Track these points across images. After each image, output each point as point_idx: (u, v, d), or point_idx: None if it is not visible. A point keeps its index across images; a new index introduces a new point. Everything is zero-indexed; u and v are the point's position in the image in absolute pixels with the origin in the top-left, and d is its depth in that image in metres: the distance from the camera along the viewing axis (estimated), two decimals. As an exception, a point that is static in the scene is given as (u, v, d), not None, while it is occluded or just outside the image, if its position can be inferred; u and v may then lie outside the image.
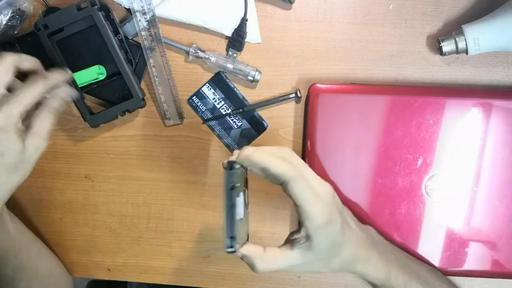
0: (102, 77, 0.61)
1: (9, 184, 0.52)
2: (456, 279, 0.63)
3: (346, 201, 0.59)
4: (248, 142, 0.63)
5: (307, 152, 0.59)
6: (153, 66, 0.61)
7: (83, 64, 0.61)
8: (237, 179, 0.47)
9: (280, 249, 0.49)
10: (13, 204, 0.67)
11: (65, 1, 0.62)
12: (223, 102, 0.63)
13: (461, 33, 0.55)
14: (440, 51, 0.57)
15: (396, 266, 0.53)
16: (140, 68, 0.62)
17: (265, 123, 0.62)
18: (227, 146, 0.63)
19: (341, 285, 0.65)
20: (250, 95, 0.62)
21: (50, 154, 0.66)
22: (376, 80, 0.61)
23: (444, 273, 0.59)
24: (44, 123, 0.52)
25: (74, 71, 0.60)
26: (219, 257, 0.66)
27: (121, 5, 0.61)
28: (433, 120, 0.57)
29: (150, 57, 0.61)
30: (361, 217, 0.58)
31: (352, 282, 0.64)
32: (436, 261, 0.59)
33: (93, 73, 0.61)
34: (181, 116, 0.63)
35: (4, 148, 0.49)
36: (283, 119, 0.62)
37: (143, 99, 0.61)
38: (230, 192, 0.46)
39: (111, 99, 0.63)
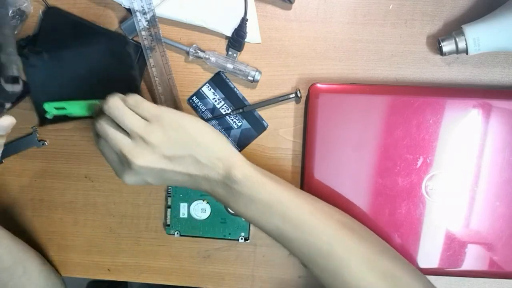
0: None
1: None
2: (456, 279, 0.63)
3: (346, 201, 0.59)
4: (248, 142, 0.63)
5: (307, 152, 0.59)
6: (153, 66, 0.61)
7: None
8: None
9: None
10: (13, 204, 0.67)
11: (65, 1, 0.62)
12: (223, 102, 0.63)
13: (461, 33, 0.55)
14: (440, 51, 0.57)
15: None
16: (140, 68, 0.62)
17: (265, 123, 0.62)
18: (227, 146, 0.63)
19: (341, 285, 0.65)
20: (250, 95, 0.62)
21: (50, 154, 0.66)
22: (376, 80, 0.61)
23: (444, 273, 0.59)
24: None
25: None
26: (219, 257, 0.66)
27: (121, 5, 0.61)
28: (433, 120, 0.57)
29: (150, 57, 0.61)
30: (361, 217, 0.58)
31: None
32: (436, 261, 0.59)
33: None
34: (181, 116, 0.63)
35: None
36: (283, 119, 0.62)
37: None
38: None
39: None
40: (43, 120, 0.62)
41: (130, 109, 0.51)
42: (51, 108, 0.56)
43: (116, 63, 0.59)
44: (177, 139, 0.49)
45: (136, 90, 0.58)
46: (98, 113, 0.53)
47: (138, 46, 0.61)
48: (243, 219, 0.53)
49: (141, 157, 0.49)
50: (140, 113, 0.50)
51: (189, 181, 0.52)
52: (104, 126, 0.51)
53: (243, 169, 0.51)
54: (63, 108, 0.56)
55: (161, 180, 0.51)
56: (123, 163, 0.50)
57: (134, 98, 0.51)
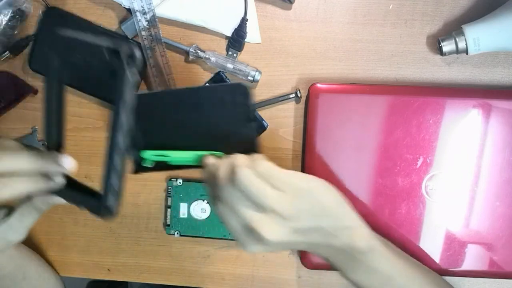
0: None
1: None
2: (456, 279, 0.63)
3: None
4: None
5: (307, 152, 0.59)
6: (153, 66, 0.61)
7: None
8: None
9: None
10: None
11: (65, 1, 0.62)
12: (223, 102, 0.62)
13: (461, 33, 0.55)
14: (440, 51, 0.57)
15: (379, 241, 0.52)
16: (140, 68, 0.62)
17: (265, 123, 0.62)
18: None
19: (341, 285, 0.65)
20: (250, 95, 0.62)
21: (50, 154, 0.66)
22: (376, 80, 0.61)
23: (444, 273, 0.59)
24: (25, 219, 0.48)
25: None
26: (219, 257, 0.66)
27: (121, 5, 0.61)
28: (433, 120, 0.57)
29: (150, 57, 0.61)
30: (361, 217, 0.58)
31: (352, 282, 0.65)
32: (436, 261, 0.59)
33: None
34: (181, 116, 0.63)
35: None
36: (283, 119, 0.62)
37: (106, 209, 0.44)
38: None
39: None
40: (139, 168, 0.53)
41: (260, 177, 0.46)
42: (150, 156, 0.51)
43: (230, 113, 0.51)
44: (308, 210, 0.47)
45: (253, 145, 0.52)
46: (218, 177, 0.47)
47: (138, 46, 0.61)
48: (352, 283, 0.53)
49: (273, 232, 0.45)
50: (271, 183, 0.46)
51: (308, 247, 0.50)
52: (231, 199, 0.46)
53: (368, 239, 0.50)
54: (164, 156, 0.51)
55: (283, 249, 0.50)
56: (252, 235, 0.46)
57: (263, 166, 0.46)
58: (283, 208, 0.45)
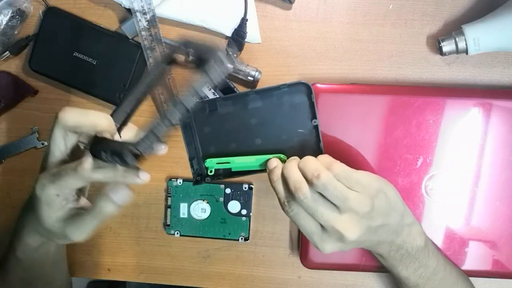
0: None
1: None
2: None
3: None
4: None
5: (307, 152, 0.59)
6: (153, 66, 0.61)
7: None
8: None
9: None
10: (14, 204, 0.67)
11: (65, 1, 0.62)
12: (223, 102, 0.62)
13: (461, 33, 0.55)
14: (440, 51, 0.57)
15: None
16: (140, 68, 0.62)
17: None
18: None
19: (341, 285, 0.65)
20: (250, 95, 0.62)
21: (50, 154, 0.66)
22: (376, 80, 0.61)
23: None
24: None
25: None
26: (219, 257, 0.66)
27: (121, 5, 0.61)
28: (433, 120, 0.57)
29: (150, 57, 0.61)
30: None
31: (352, 282, 0.64)
32: (436, 261, 0.59)
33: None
34: (181, 116, 0.63)
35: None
36: (283, 119, 0.62)
37: None
38: None
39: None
40: (202, 178, 0.53)
41: (338, 179, 0.48)
42: (213, 164, 0.51)
43: (291, 113, 0.51)
44: (381, 209, 0.49)
45: (317, 144, 0.52)
46: (294, 181, 0.48)
47: (138, 46, 0.61)
48: (399, 278, 0.55)
49: (354, 231, 0.47)
50: (348, 185, 0.48)
51: (371, 245, 0.52)
52: (310, 201, 0.47)
53: (424, 236, 0.54)
54: (227, 163, 0.51)
55: (354, 247, 0.51)
56: (330, 235, 0.48)
57: (340, 168, 0.48)
58: (362, 208, 0.47)
